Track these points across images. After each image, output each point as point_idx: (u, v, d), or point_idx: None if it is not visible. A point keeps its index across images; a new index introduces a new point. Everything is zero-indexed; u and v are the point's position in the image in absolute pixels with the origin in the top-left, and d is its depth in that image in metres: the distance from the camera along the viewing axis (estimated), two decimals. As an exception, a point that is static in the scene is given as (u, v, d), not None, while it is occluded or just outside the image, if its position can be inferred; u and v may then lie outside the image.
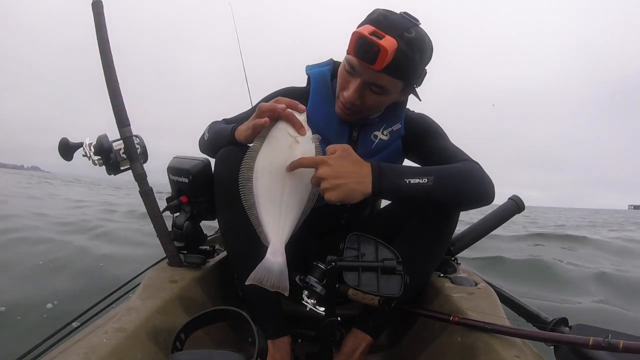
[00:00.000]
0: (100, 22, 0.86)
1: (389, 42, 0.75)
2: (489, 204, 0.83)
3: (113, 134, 0.92)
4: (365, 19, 0.82)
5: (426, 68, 0.86)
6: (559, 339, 0.64)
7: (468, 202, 0.82)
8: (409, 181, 0.74)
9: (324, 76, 0.97)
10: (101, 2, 0.86)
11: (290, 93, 0.97)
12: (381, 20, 0.78)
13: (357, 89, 0.83)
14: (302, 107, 0.78)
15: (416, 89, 0.89)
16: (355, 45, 0.77)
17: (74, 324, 0.83)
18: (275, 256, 0.70)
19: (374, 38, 0.75)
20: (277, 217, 0.72)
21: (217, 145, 0.93)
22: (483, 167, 0.84)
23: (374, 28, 0.76)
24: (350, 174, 0.72)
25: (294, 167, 0.72)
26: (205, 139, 1.00)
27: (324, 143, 0.85)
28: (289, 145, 0.74)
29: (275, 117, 0.76)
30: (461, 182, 0.78)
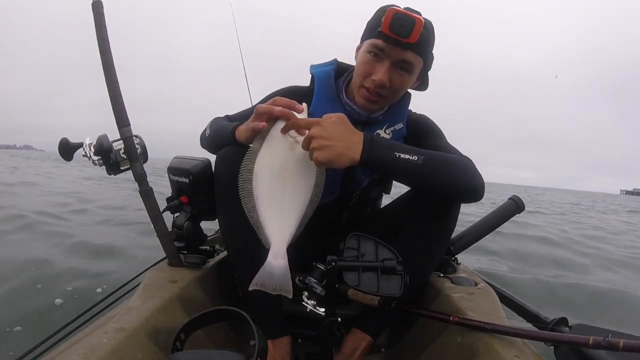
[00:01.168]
0: (100, 22, 0.86)
1: (419, 17, 0.80)
2: (477, 200, 0.83)
3: (113, 133, 0.92)
4: (375, 15, 0.86)
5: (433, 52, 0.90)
6: (558, 338, 0.64)
7: (456, 192, 0.82)
8: (399, 155, 0.75)
9: (328, 76, 0.97)
10: (101, 2, 0.86)
11: (292, 93, 0.97)
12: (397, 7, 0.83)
13: (387, 70, 0.85)
14: (301, 106, 0.77)
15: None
16: (390, 21, 0.80)
17: (74, 324, 0.83)
18: (276, 259, 0.69)
19: (409, 12, 0.80)
20: (277, 219, 0.71)
21: (218, 143, 0.93)
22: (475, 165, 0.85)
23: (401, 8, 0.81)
24: (341, 137, 0.72)
25: (288, 129, 0.73)
26: (207, 135, 1.00)
27: None
28: (289, 145, 0.74)
29: (274, 118, 0.75)
30: (451, 170, 0.79)
